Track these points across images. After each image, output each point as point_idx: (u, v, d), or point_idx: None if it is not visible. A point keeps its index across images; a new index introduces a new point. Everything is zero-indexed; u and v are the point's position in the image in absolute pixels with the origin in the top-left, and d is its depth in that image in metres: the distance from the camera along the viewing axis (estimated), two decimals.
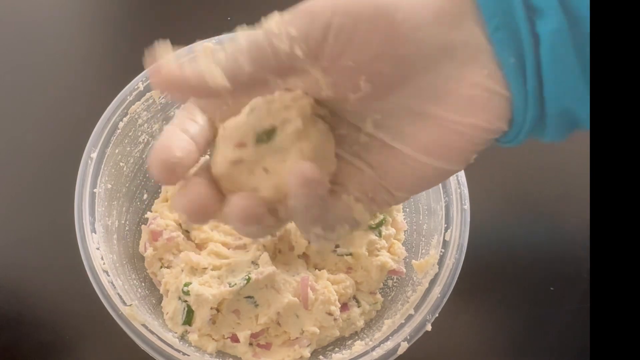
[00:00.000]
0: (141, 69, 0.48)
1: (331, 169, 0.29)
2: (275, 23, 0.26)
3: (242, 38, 0.27)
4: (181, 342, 0.46)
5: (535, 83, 0.25)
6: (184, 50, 0.48)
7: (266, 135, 0.28)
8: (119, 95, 0.47)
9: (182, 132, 0.29)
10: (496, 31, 0.25)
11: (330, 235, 0.29)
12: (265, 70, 0.27)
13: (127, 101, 0.47)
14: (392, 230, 0.50)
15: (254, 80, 0.27)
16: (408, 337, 0.44)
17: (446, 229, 0.46)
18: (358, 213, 0.30)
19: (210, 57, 0.28)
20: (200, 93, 0.27)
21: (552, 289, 0.54)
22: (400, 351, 0.43)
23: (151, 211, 0.52)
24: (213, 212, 0.28)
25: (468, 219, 0.46)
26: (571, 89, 0.25)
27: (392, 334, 0.45)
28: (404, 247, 0.51)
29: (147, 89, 0.48)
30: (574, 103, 0.26)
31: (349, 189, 0.30)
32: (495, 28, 0.25)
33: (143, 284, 0.49)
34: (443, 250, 0.46)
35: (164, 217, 0.50)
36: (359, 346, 0.46)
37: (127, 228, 0.50)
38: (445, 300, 0.44)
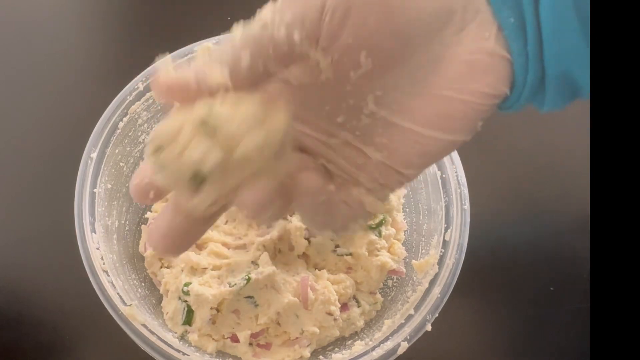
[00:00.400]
0: (141, 69, 0.48)
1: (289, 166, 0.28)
2: (269, 11, 0.26)
3: (237, 32, 0.27)
4: (181, 342, 0.46)
5: (535, 43, 0.25)
6: (184, 50, 0.48)
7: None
8: (119, 95, 0.47)
9: None
10: None
11: (344, 233, 0.29)
12: (264, 61, 0.26)
13: (127, 101, 0.47)
14: (392, 230, 0.50)
15: (254, 73, 0.26)
16: (408, 337, 0.44)
17: (446, 229, 0.47)
18: (370, 205, 0.30)
19: (207, 56, 0.27)
20: (201, 93, 0.27)
21: (552, 289, 0.54)
22: (400, 351, 0.43)
23: (151, 211, 0.52)
24: (186, 244, 0.30)
25: (468, 219, 0.46)
26: (571, 48, 0.25)
27: (392, 334, 0.45)
28: (404, 247, 0.51)
29: (147, 89, 0.48)
30: (574, 64, 0.25)
31: (360, 179, 0.30)
32: None
33: (143, 284, 0.49)
34: (443, 250, 0.46)
35: None
36: (359, 346, 0.46)
37: (127, 228, 0.50)
38: (445, 300, 0.44)
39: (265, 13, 0.26)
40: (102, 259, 0.44)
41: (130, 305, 0.43)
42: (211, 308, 0.46)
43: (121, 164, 0.49)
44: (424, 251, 0.49)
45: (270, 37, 0.26)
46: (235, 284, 0.46)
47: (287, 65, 0.27)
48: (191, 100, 0.27)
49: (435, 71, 0.27)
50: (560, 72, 0.26)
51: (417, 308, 0.45)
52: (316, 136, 0.30)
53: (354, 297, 0.50)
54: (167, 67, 0.27)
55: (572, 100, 0.27)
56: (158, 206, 0.52)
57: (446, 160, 0.47)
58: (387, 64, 0.27)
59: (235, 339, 0.47)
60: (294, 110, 0.29)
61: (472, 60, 0.26)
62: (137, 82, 0.48)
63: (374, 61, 0.27)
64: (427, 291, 0.45)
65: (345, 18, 0.25)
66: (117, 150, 0.48)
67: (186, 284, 0.46)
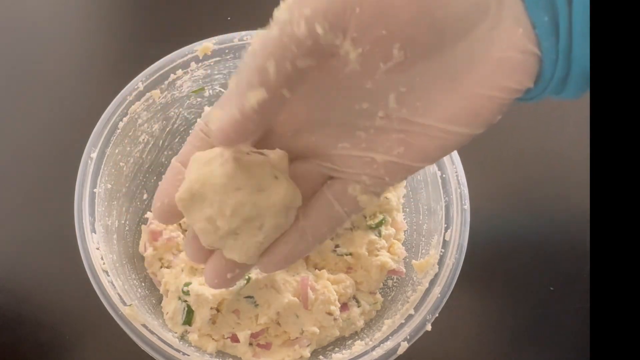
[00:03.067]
0: (141, 69, 0.48)
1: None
2: (284, 10, 0.25)
3: (255, 40, 0.26)
4: (181, 342, 0.46)
5: (566, 42, 0.25)
6: (184, 50, 0.48)
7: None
8: (119, 95, 0.47)
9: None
10: None
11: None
12: (290, 61, 0.25)
13: (127, 101, 0.47)
14: (392, 230, 0.50)
15: (285, 76, 0.26)
16: (408, 337, 0.44)
17: (446, 229, 0.46)
18: (365, 203, 0.30)
19: (233, 80, 0.27)
20: (251, 122, 0.26)
21: (552, 289, 0.54)
22: (400, 351, 0.43)
23: (151, 211, 0.52)
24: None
25: (468, 219, 0.46)
26: None
27: (392, 334, 0.45)
28: (403, 247, 0.51)
29: (147, 88, 0.48)
30: None
31: (362, 178, 0.30)
32: None
33: (143, 284, 0.49)
34: (443, 250, 0.46)
35: None
36: (359, 346, 0.46)
37: (127, 228, 0.50)
38: (445, 300, 0.44)
39: (280, 13, 0.25)
40: (102, 259, 0.44)
41: (130, 305, 0.43)
42: (211, 308, 0.46)
43: (121, 164, 0.49)
44: (424, 251, 0.49)
45: (291, 35, 0.25)
46: (235, 284, 0.46)
47: (320, 57, 0.26)
48: (253, 136, 0.28)
49: (467, 68, 0.26)
50: (583, 69, 0.26)
51: (417, 308, 0.45)
52: (322, 143, 0.30)
53: (354, 297, 0.50)
54: (214, 116, 0.27)
55: (587, 90, 0.27)
56: None
57: (446, 160, 0.47)
58: (420, 57, 0.26)
59: (235, 339, 0.47)
60: (304, 117, 0.30)
61: (505, 58, 0.26)
62: (137, 82, 0.48)
63: (407, 54, 0.26)
64: (427, 291, 0.45)
65: (379, 8, 0.25)
66: (117, 150, 0.48)
67: (186, 284, 0.46)
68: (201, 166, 0.30)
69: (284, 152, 0.31)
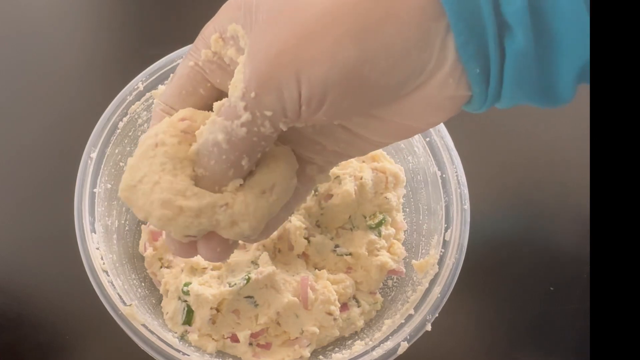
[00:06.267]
0: (141, 68, 0.48)
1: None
2: (244, 106, 0.26)
3: (220, 137, 0.27)
4: (181, 342, 0.46)
5: (496, 88, 0.26)
6: (184, 50, 0.48)
7: None
8: (119, 95, 0.47)
9: None
10: (464, 45, 0.25)
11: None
12: (261, 151, 0.28)
13: (127, 101, 0.47)
14: (391, 230, 0.50)
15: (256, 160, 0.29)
16: (408, 337, 0.44)
17: (446, 229, 0.46)
18: (320, 181, 0.34)
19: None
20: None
21: (552, 289, 0.54)
22: (400, 351, 0.43)
23: None
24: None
25: (468, 219, 0.46)
26: (527, 92, 0.26)
27: (392, 334, 0.45)
28: (403, 247, 0.51)
29: (147, 88, 0.48)
30: (526, 100, 0.27)
31: (316, 161, 0.33)
32: (464, 42, 0.25)
33: (143, 284, 0.49)
34: (443, 250, 0.46)
35: None
36: (359, 346, 0.46)
37: (127, 228, 0.50)
38: (445, 300, 0.44)
39: (238, 111, 0.27)
40: (102, 259, 0.44)
41: (130, 305, 0.43)
42: (211, 308, 0.46)
43: (121, 164, 0.49)
44: (424, 251, 0.49)
45: (258, 133, 0.27)
46: (235, 284, 0.46)
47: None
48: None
49: (397, 107, 0.28)
50: (515, 103, 0.27)
51: (417, 308, 0.45)
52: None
53: (354, 297, 0.50)
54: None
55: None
56: None
57: (446, 160, 0.47)
58: (349, 117, 0.30)
59: (235, 339, 0.47)
60: None
61: (434, 103, 0.28)
62: (137, 82, 0.48)
63: (349, 121, 0.30)
64: (427, 291, 0.45)
65: (320, 106, 0.26)
66: (117, 150, 0.48)
67: (186, 284, 0.46)
68: (139, 147, 0.29)
69: None
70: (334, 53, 0.25)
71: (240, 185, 0.29)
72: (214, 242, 0.30)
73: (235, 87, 0.27)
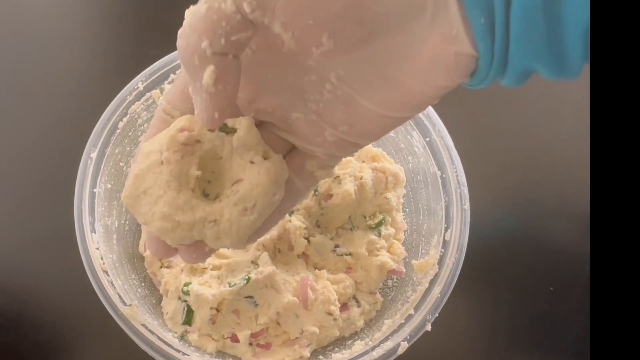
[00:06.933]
0: (141, 68, 0.48)
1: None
2: None
3: (185, 20, 0.27)
4: (181, 342, 0.46)
5: (502, 44, 0.25)
6: None
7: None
8: (119, 95, 0.47)
9: None
10: None
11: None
12: (224, 37, 0.26)
13: (127, 101, 0.47)
14: (391, 230, 0.50)
15: (222, 49, 0.26)
16: (408, 337, 0.44)
17: (446, 229, 0.46)
18: (321, 177, 0.33)
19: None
20: (220, 96, 0.28)
21: (552, 289, 0.54)
22: (400, 351, 0.43)
23: None
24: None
25: (468, 219, 0.46)
26: (535, 50, 0.25)
27: (392, 334, 0.45)
28: (403, 247, 0.51)
29: (147, 88, 0.48)
30: (535, 61, 0.26)
31: (316, 153, 0.32)
32: None
33: (143, 284, 0.49)
34: (443, 250, 0.46)
35: None
36: (358, 346, 0.46)
37: (127, 228, 0.50)
38: (445, 300, 0.44)
39: None
40: (102, 259, 0.44)
41: (130, 305, 0.43)
42: (211, 308, 0.46)
43: (121, 164, 0.49)
44: (424, 251, 0.49)
45: (219, 10, 0.25)
46: (235, 284, 0.46)
47: (252, 32, 0.27)
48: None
49: (400, 61, 0.27)
50: (522, 67, 0.26)
51: (417, 308, 0.45)
52: (279, 112, 0.31)
53: (354, 297, 0.50)
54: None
55: (528, 79, 0.27)
56: None
57: (446, 160, 0.47)
58: (351, 47, 0.27)
59: (235, 339, 0.47)
60: (258, 84, 0.30)
61: (438, 57, 0.26)
62: (137, 82, 0.48)
63: (336, 43, 0.27)
64: (427, 291, 0.45)
65: (306, 1, 0.25)
66: (117, 150, 0.48)
67: (186, 284, 0.46)
68: (144, 159, 0.31)
69: (248, 119, 0.31)
70: None
71: (227, 198, 0.31)
72: (192, 250, 0.32)
73: None
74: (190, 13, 0.27)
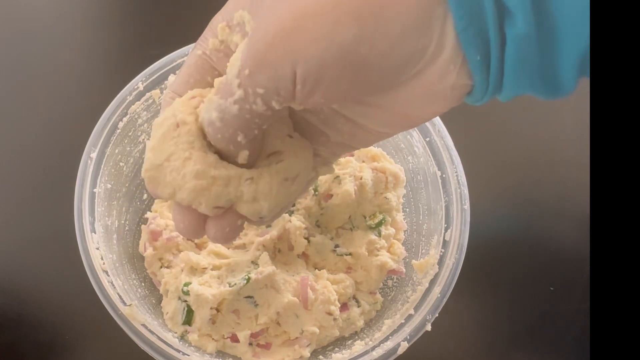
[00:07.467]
0: (141, 68, 0.48)
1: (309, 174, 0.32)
2: (238, 84, 0.27)
3: (214, 116, 0.28)
4: (181, 342, 0.46)
5: (497, 76, 0.26)
6: (184, 50, 0.48)
7: None
8: (119, 95, 0.47)
9: None
10: (464, 31, 0.25)
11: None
12: (257, 128, 0.28)
13: (127, 101, 0.47)
14: (391, 230, 0.50)
15: (256, 138, 0.29)
16: (408, 337, 0.44)
17: (446, 229, 0.46)
18: (324, 172, 0.34)
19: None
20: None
21: (552, 289, 0.54)
22: (400, 351, 0.43)
23: (151, 211, 0.52)
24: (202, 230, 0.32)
25: (468, 219, 0.46)
26: (529, 82, 0.26)
27: (392, 334, 0.45)
28: (403, 247, 0.51)
29: (147, 88, 0.48)
30: (528, 89, 0.27)
31: (320, 152, 0.33)
32: (464, 28, 0.25)
33: (143, 284, 0.49)
34: (443, 250, 0.46)
35: (163, 217, 0.50)
36: (358, 346, 0.46)
37: (127, 228, 0.50)
38: (445, 300, 0.44)
39: (233, 84, 0.27)
40: (102, 259, 0.44)
41: (130, 305, 0.43)
42: (211, 308, 0.46)
43: (121, 163, 0.49)
44: (424, 251, 0.49)
45: (251, 111, 0.27)
46: (235, 284, 0.46)
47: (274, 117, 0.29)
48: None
49: (398, 94, 0.28)
50: (515, 94, 0.27)
51: (417, 308, 0.45)
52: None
53: (354, 297, 0.50)
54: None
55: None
56: (158, 206, 0.52)
57: (446, 160, 0.47)
58: (357, 102, 0.30)
59: (235, 339, 0.47)
60: None
61: (435, 91, 0.27)
62: (137, 82, 0.48)
63: (346, 105, 0.30)
64: (427, 291, 0.45)
65: (316, 86, 0.26)
66: (117, 150, 0.48)
67: (186, 284, 0.46)
68: (157, 128, 0.30)
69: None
70: (332, 33, 0.25)
71: (267, 166, 0.30)
72: (225, 221, 0.31)
73: (233, 65, 0.27)
74: (212, 105, 0.28)
